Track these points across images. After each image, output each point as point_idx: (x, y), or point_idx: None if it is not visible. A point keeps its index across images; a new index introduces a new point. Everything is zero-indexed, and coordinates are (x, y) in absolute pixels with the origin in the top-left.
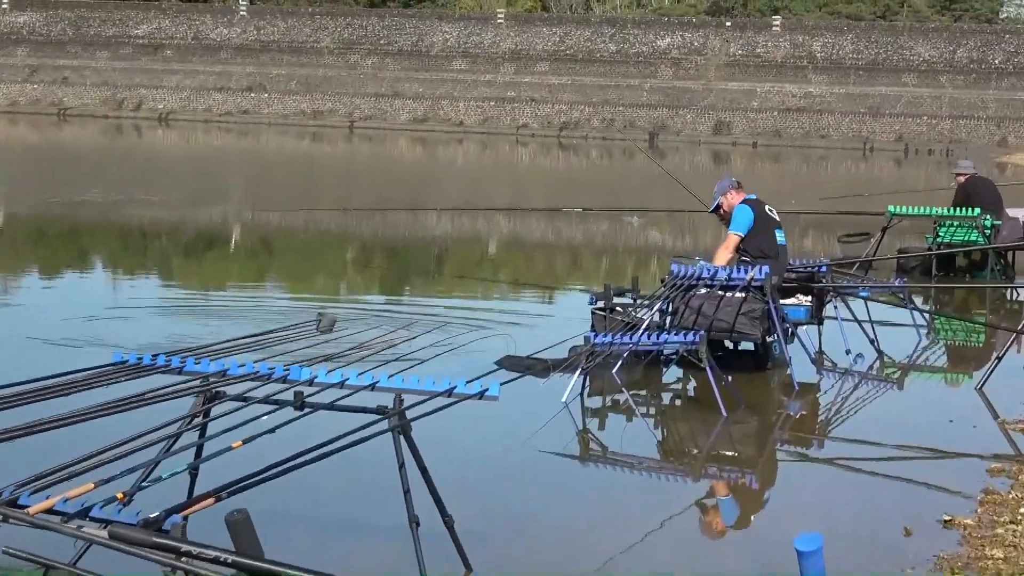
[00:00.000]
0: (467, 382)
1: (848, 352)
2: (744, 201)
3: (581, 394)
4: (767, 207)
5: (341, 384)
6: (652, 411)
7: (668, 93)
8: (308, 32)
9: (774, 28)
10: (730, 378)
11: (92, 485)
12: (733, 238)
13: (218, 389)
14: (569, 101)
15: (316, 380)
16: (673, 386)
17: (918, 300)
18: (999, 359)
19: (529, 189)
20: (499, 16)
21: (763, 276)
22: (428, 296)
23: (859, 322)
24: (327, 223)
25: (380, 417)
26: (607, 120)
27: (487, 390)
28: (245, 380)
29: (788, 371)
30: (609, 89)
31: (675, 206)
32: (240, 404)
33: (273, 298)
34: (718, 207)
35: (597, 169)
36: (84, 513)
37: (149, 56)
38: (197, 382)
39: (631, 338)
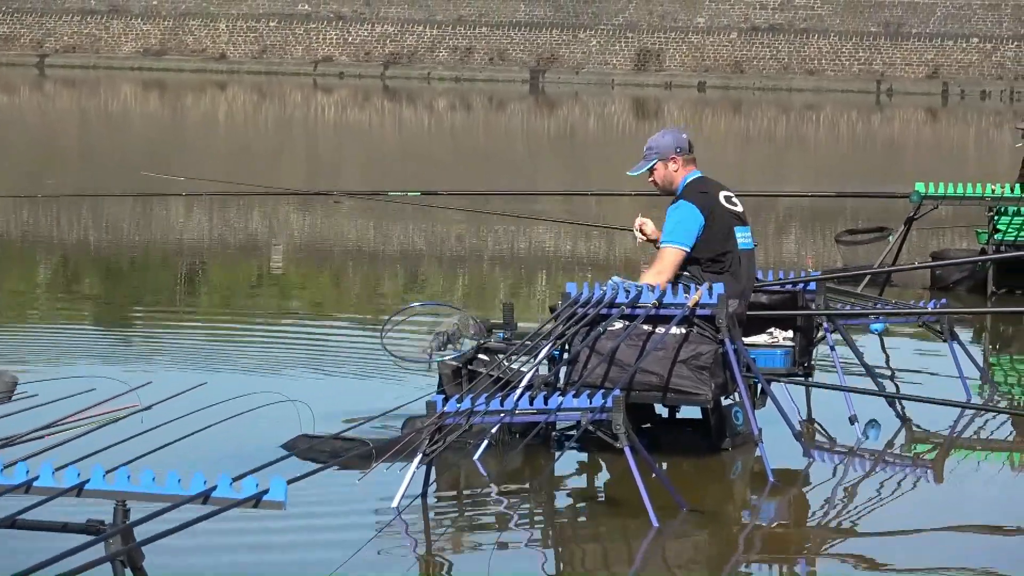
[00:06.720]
0: (233, 480)
1: (854, 420)
2: (690, 188)
3: (423, 496)
4: (724, 194)
5: (26, 487)
6: (539, 520)
7: (560, 3)
8: None
9: None
10: (664, 466)
11: None
12: (671, 255)
13: None
14: (400, 19)
15: None
16: (573, 480)
17: (965, 335)
18: None
19: (336, 162)
20: None
21: (715, 300)
22: (172, 338)
23: (871, 371)
24: None
25: (92, 539)
26: (461, 49)
27: (266, 492)
28: None
29: (757, 452)
30: None
31: (575, 184)
32: None
33: None
34: (650, 171)
35: (446, 130)
36: None
37: None
38: None
39: (504, 403)
